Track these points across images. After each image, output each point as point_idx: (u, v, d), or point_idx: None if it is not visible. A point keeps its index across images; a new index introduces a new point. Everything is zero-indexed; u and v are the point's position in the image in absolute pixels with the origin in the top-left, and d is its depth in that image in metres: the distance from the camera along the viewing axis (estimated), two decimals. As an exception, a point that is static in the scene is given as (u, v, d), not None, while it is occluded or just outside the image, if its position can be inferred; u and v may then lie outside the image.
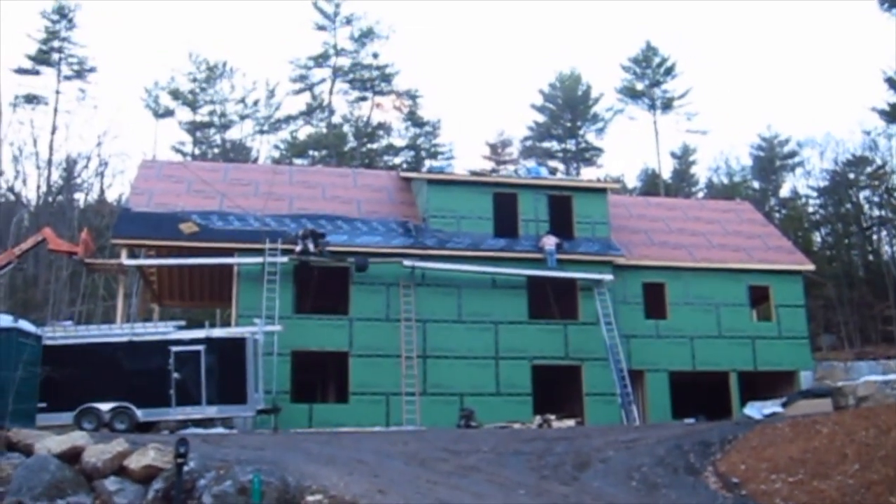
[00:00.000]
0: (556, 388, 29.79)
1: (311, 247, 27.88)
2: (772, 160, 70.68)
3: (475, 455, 16.64)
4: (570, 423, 26.68)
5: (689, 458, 16.63)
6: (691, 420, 26.90)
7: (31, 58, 63.52)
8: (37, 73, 63.67)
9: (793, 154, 70.90)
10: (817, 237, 65.87)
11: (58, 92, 62.85)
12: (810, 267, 34.63)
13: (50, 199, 60.59)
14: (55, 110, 61.88)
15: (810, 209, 68.13)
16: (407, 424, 26.47)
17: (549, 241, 30.31)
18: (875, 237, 64.22)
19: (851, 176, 64.31)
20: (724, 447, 17.34)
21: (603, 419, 27.88)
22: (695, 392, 30.79)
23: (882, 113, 60.18)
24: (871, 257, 62.77)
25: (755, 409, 27.97)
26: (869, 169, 64.13)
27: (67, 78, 64.30)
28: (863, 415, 19.01)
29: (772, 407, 27.63)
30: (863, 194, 64.61)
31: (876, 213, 63.85)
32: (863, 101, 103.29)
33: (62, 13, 64.69)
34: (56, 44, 64.34)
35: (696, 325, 31.64)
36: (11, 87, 60.88)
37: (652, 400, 30.44)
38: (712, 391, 31.39)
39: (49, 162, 60.50)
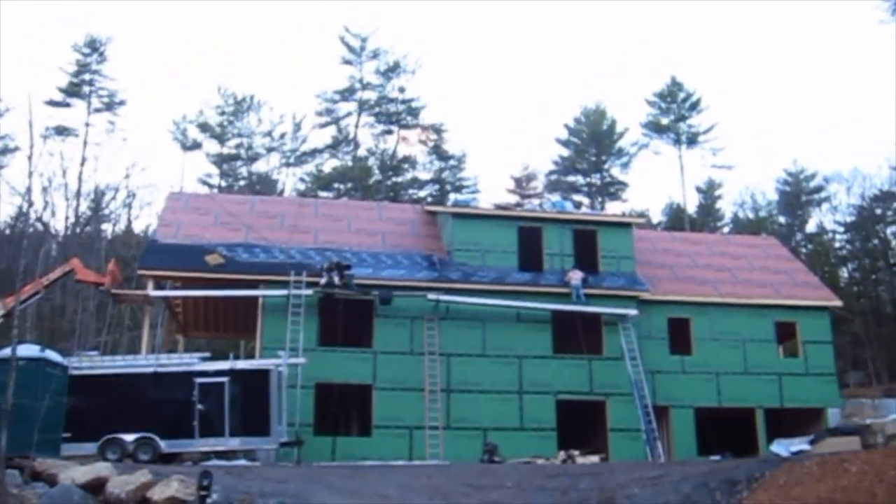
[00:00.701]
0: (580, 424, 29.58)
1: (336, 279, 27.95)
2: (798, 195, 70.35)
3: (498, 490, 16.53)
4: (595, 458, 26.45)
5: (716, 496, 16.42)
6: (717, 457, 26.59)
7: (62, 90, 64.52)
8: (67, 105, 64.65)
9: (819, 189, 70.59)
10: (844, 273, 65.43)
11: (87, 124, 63.77)
12: (837, 303, 34.35)
13: (78, 229, 61.16)
14: (85, 142, 62.70)
15: (837, 244, 67.72)
16: (430, 458, 26.35)
17: (576, 276, 30.21)
18: (903, 273, 63.62)
19: (878, 211, 63.96)
20: (751, 485, 17.11)
21: (627, 455, 27.64)
22: (720, 428, 30.50)
23: (909, 148, 59.83)
24: (899, 293, 62.19)
25: (782, 447, 27.63)
26: (896, 204, 63.75)
27: (97, 110, 65.26)
28: (892, 453, 18.72)
29: (799, 444, 27.28)
30: (890, 230, 64.26)
31: (903, 248, 63.34)
32: (890, 137, 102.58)
33: (93, 46, 65.71)
34: (87, 76, 65.33)
35: (721, 360, 31.38)
36: (42, 119, 61.51)
37: (677, 436, 30.15)
38: (738, 428, 31.08)
39: (78, 193, 61.18)
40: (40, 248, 53.26)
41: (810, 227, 70.59)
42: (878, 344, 54.47)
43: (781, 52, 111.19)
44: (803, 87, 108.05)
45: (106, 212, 63.23)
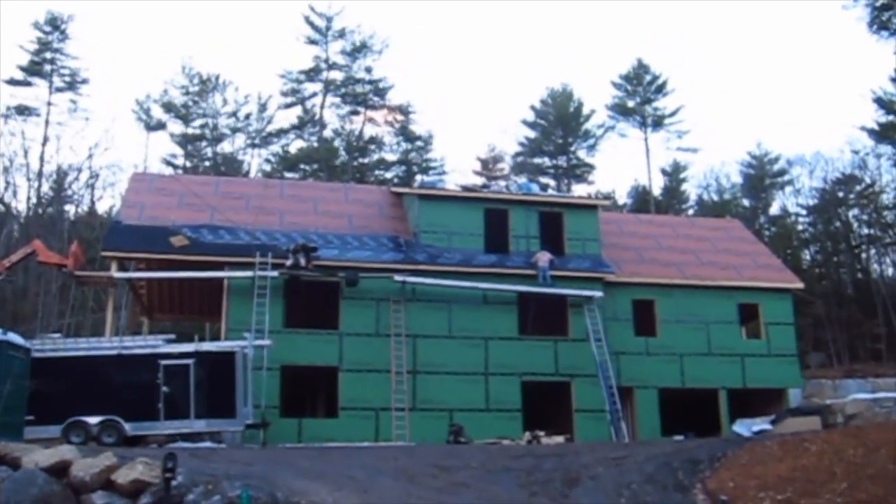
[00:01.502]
0: (545, 405, 29.79)
1: (301, 261, 27.86)
2: (761, 178, 70.94)
3: (464, 471, 16.61)
4: (560, 439, 26.70)
5: (678, 476, 16.62)
6: (680, 437, 26.94)
7: (23, 69, 63.45)
8: (29, 84, 63.61)
9: (782, 172, 71.19)
10: (806, 255, 66.13)
11: (49, 103, 62.86)
12: (799, 285, 34.77)
13: (40, 210, 60.44)
14: (46, 122, 61.88)
15: (800, 227, 68.42)
16: (396, 440, 26.42)
17: (544, 258, 30.30)
18: (864, 255, 64.49)
19: (840, 194, 64.64)
20: (713, 464, 17.34)
21: (592, 436, 27.87)
22: (684, 409, 30.82)
23: (871, 132, 60.53)
24: (859, 275, 63.04)
25: (744, 427, 28.10)
26: (858, 187, 64.50)
27: (59, 89, 64.32)
28: (851, 433, 19.07)
29: (761, 424, 27.76)
30: (852, 213, 65.02)
31: (865, 231, 64.18)
32: (852, 120, 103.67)
33: (55, 24, 64.69)
34: (48, 55, 64.32)
35: (685, 342, 31.69)
36: (3, 98, 60.70)
37: (641, 417, 30.45)
38: (702, 408, 31.43)
39: (40, 173, 60.44)
40: (1, 229, 52.63)
41: (774, 209, 71.30)
42: (839, 326, 55.20)
43: (746, 35, 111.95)
44: (767, 70, 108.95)
45: (68, 193, 62.50)
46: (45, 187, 61.84)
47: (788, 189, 71.02)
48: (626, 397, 30.25)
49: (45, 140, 60.65)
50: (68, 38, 65.22)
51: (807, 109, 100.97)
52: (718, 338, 32.04)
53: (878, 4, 39.55)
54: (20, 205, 61.38)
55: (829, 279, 62.46)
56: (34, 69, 63.79)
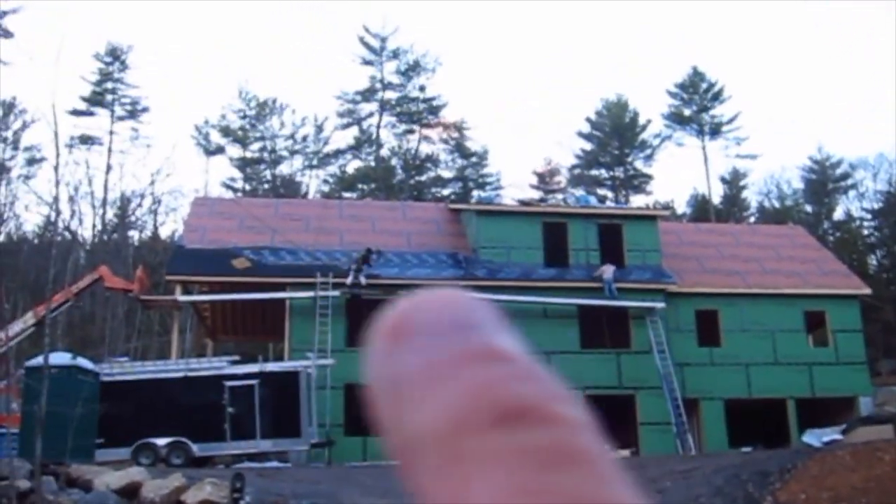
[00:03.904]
0: (610, 418, 29.27)
1: (363, 280, 28.04)
2: (824, 183, 69.80)
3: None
4: (625, 453, 26.43)
5: (748, 488, 16.37)
6: (748, 448, 26.50)
7: (85, 99, 65.06)
8: (91, 114, 65.29)
9: (845, 176, 70.00)
10: (873, 260, 64.85)
11: (111, 132, 64.39)
12: (867, 290, 34.07)
13: (105, 237, 61.72)
14: (109, 150, 63.39)
15: (865, 232, 67.14)
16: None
17: (608, 271, 30.02)
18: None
19: (906, 197, 63.36)
20: (784, 476, 17.04)
21: (658, 449, 27.55)
22: (751, 420, 30.33)
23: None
24: (929, 279, 61.65)
25: (814, 437, 27.51)
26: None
27: (121, 118, 65.88)
28: (926, 441, 18.62)
29: (831, 434, 27.14)
30: (918, 215, 63.60)
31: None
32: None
33: (115, 55, 66.26)
34: (109, 85, 65.84)
35: (751, 351, 31.20)
36: (67, 129, 62.11)
37: (707, 428, 30.03)
38: (769, 419, 30.91)
39: (104, 201, 61.80)
40: (69, 256, 53.61)
41: (837, 214, 70.12)
42: (910, 331, 53.97)
43: (803, 38, 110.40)
44: (826, 73, 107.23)
45: (132, 219, 63.80)
46: (110, 214, 63.27)
47: (852, 193, 69.87)
48: (691, 409, 29.86)
49: (109, 168, 62.13)
50: (128, 67, 66.91)
51: (868, 111, 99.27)
52: (784, 346, 31.50)
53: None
54: (86, 232, 62.80)
55: (897, 284, 61.18)
56: (96, 99, 65.37)
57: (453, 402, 0.39)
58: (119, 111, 65.82)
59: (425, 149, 71.60)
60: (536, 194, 71.52)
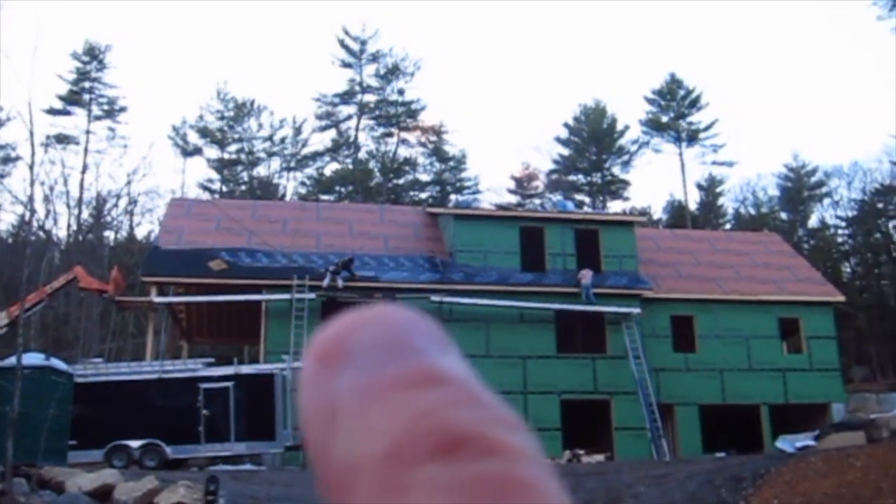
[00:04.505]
0: (585, 423, 29.59)
1: (339, 282, 27.99)
2: (799, 191, 70.34)
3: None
4: (600, 458, 26.51)
5: (721, 493, 16.47)
6: (722, 454, 26.65)
7: (62, 98, 64.58)
8: (68, 113, 64.79)
9: (820, 184, 70.56)
10: (847, 268, 65.42)
11: (88, 132, 63.90)
12: (840, 298, 34.34)
13: (80, 237, 61.27)
14: (85, 150, 62.91)
15: (839, 239, 67.71)
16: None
17: (587, 276, 30.06)
18: (906, 267, 63.63)
19: (880, 205, 63.93)
20: (757, 482, 17.16)
21: (633, 454, 27.64)
22: (725, 425, 30.51)
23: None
24: (902, 287, 62.17)
25: (787, 443, 27.69)
26: (897, 198, 63.77)
27: (98, 118, 65.41)
28: (897, 448, 18.78)
29: (804, 440, 27.35)
30: (892, 223, 64.25)
31: (906, 242, 63.35)
32: (889, 131, 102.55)
33: (93, 54, 65.79)
34: (87, 84, 65.42)
35: (725, 357, 31.38)
36: (43, 128, 61.67)
37: (682, 434, 30.16)
38: (743, 424, 31.08)
39: (79, 201, 61.35)
40: (43, 256, 53.19)
41: (812, 222, 70.72)
42: (882, 339, 54.44)
43: (780, 46, 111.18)
44: (802, 81, 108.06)
45: (108, 219, 63.37)
46: (85, 214, 62.84)
47: (827, 201, 70.44)
48: (666, 414, 29.98)
49: (85, 168, 61.68)
50: (106, 67, 66.49)
51: (843, 120, 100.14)
52: (759, 353, 31.69)
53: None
54: (61, 232, 62.32)
55: (870, 291, 61.68)
56: (73, 98, 64.93)
57: (389, 431, 0.37)
58: (96, 110, 65.44)
59: (403, 152, 71.73)
60: (514, 199, 71.68)
